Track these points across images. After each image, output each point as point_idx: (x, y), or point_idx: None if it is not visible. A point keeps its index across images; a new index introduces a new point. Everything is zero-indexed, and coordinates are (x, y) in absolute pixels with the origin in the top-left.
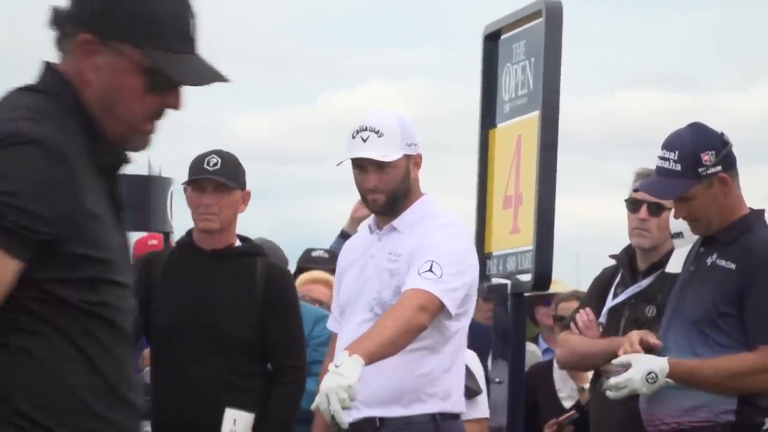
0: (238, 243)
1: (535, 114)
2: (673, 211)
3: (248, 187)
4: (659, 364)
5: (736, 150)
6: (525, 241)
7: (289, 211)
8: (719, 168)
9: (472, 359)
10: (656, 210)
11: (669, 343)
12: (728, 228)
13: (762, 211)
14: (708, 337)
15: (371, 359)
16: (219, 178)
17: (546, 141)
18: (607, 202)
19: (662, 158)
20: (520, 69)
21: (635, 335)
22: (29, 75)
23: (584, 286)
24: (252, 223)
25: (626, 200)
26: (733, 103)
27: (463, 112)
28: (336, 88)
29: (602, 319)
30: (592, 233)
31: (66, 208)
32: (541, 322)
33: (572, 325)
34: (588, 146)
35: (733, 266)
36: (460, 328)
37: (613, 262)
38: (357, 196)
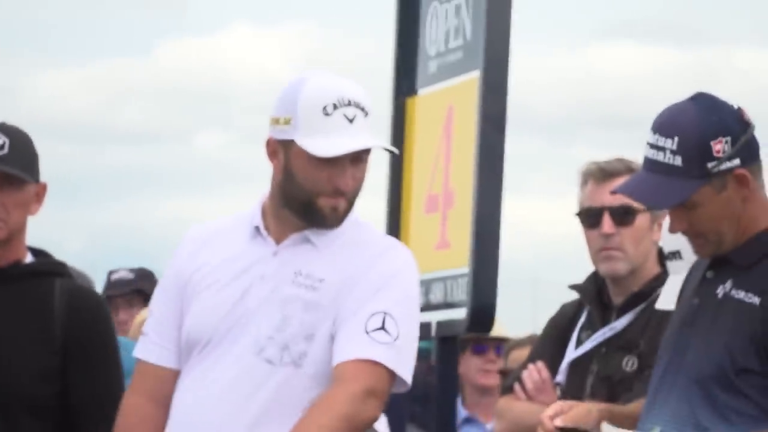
0: (28, 258)
1: (475, 75)
2: (666, 221)
3: (43, 177)
4: None
5: (760, 132)
6: (457, 260)
7: (107, 215)
8: (737, 161)
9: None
10: (624, 216)
11: (660, 414)
12: (747, 245)
13: None
14: (718, 402)
15: None
16: (7, 168)
17: (490, 115)
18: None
19: (654, 146)
20: (453, 10)
21: (551, 409)
22: None
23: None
24: (53, 232)
25: (578, 213)
26: (753, 62)
27: (368, 72)
28: (180, 33)
29: (560, 377)
30: (556, 250)
31: None
32: (465, 378)
33: (517, 386)
34: (550, 124)
35: (756, 300)
36: None
37: (575, 294)
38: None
